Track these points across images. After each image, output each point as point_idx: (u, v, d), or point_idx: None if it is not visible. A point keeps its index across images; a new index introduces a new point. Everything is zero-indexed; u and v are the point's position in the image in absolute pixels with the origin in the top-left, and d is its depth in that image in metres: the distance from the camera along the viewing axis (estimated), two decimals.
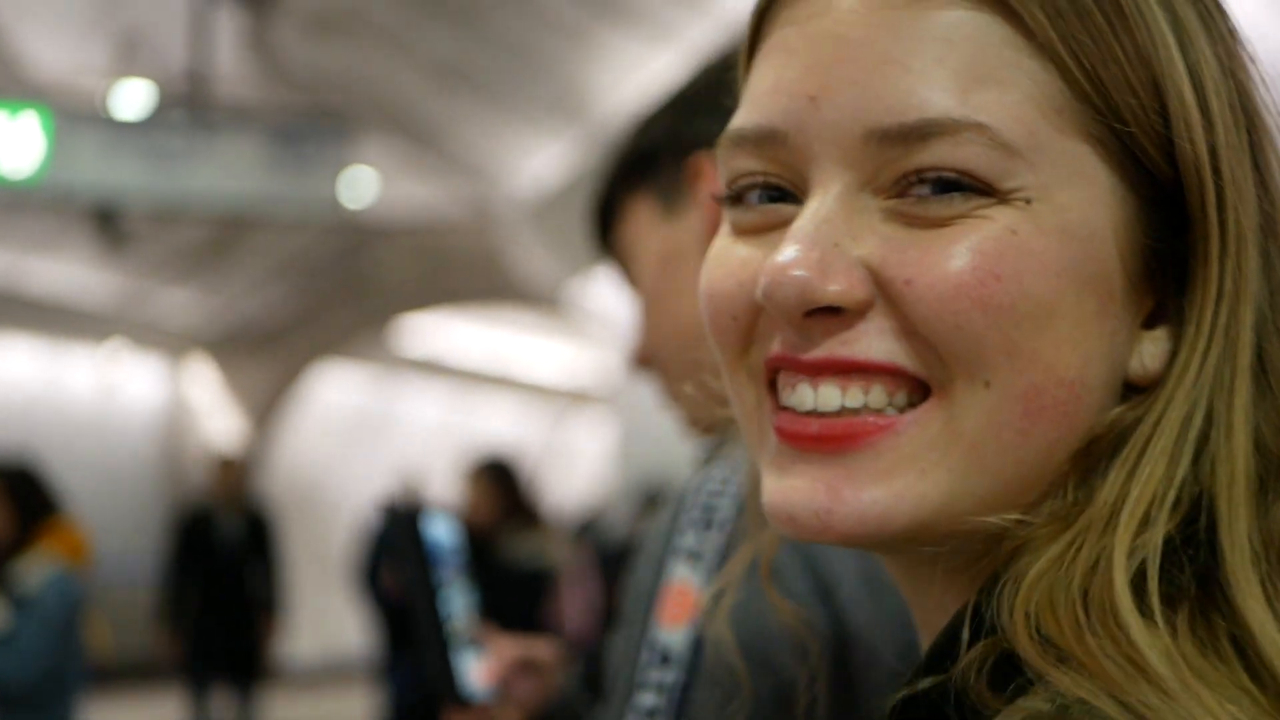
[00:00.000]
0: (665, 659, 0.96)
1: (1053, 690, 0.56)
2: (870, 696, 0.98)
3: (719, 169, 0.69)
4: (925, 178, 0.62)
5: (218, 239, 13.73)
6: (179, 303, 15.04)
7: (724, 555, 0.98)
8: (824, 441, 0.64)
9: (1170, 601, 0.59)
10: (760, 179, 0.67)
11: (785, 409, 0.66)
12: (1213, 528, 0.61)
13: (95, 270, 13.38)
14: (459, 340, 19.10)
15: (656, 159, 1.23)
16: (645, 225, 1.24)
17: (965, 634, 0.62)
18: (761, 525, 0.85)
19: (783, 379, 0.66)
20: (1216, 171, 0.64)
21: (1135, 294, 0.65)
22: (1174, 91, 0.64)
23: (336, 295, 15.83)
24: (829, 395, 0.64)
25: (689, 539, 0.99)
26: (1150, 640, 0.57)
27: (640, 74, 8.62)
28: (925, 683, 0.62)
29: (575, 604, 6.93)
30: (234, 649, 8.34)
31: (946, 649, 0.63)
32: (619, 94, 9.01)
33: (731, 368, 0.69)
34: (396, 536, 1.41)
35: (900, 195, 0.63)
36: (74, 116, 8.89)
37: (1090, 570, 0.60)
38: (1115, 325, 0.64)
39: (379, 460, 17.15)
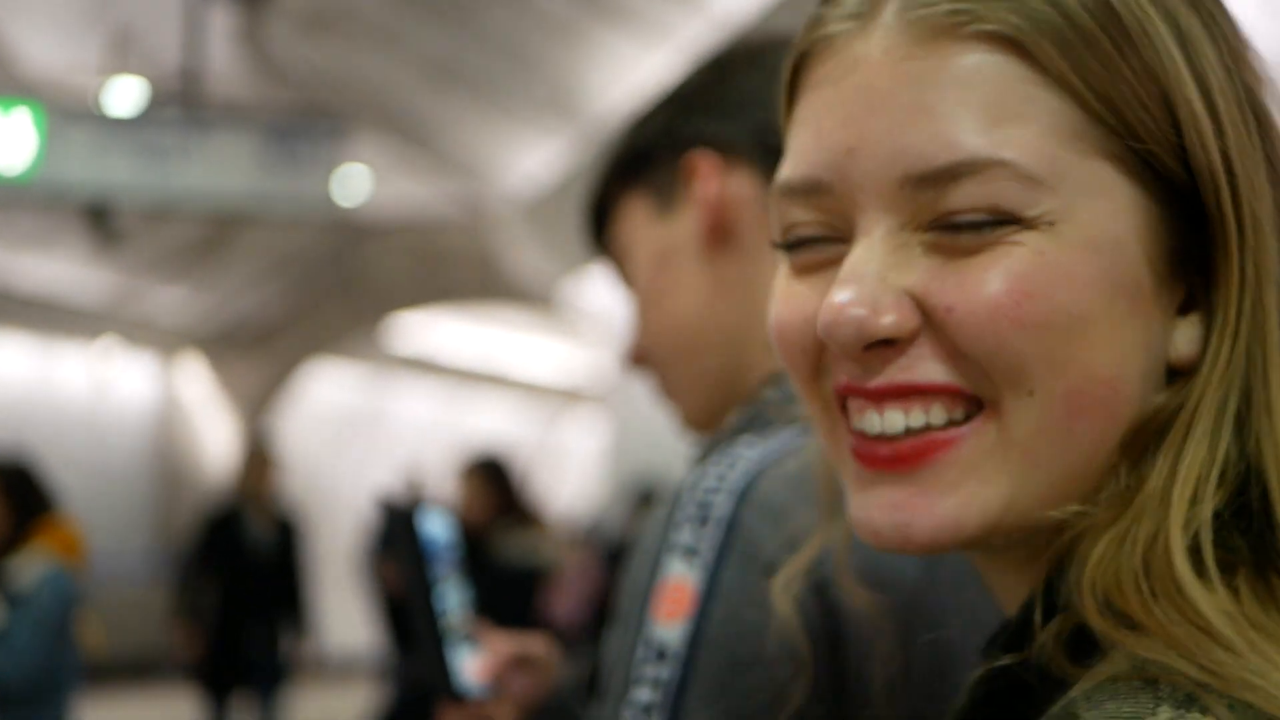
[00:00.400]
0: (661, 655, 0.97)
1: (1129, 654, 0.61)
2: (863, 692, 0.98)
3: (771, 218, 0.76)
4: (958, 221, 0.68)
5: (210, 237, 13.73)
6: (171, 300, 15.03)
7: (721, 551, 0.98)
8: (895, 463, 0.70)
9: (1228, 568, 0.64)
10: (811, 228, 0.73)
11: (858, 432, 0.72)
12: (1265, 497, 0.66)
13: (87, 267, 13.37)
14: (452, 338, 19.10)
15: (652, 157, 1.23)
16: (640, 223, 1.24)
17: (1038, 614, 0.67)
18: (830, 517, 0.92)
19: (851, 404, 0.73)
20: (1230, 171, 0.68)
21: (1166, 288, 0.70)
22: (1183, 102, 0.68)
23: (330, 293, 15.83)
24: (894, 419, 0.70)
25: (685, 535, 1.00)
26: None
27: (634, 73, 8.63)
28: (1006, 658, 0.67)
29: (568, 599, 6.94)
30: (257, 657, 7.86)
31: (1022, 627, 0.68)
32: (612, 93, 9.02)
33: (808, 395, 0.76)
34: (393, 532, 1.41)
35: (938, 230, 0.69)
36: (67, 113, 8.87)
37: (1149, 545, 0.65)
38: (1148, 320, 0.69)
39: (372, 458, 17.15)
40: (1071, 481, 0.69)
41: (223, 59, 10.18)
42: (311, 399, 17.27)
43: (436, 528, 1.42)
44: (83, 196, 9.44)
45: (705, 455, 1.14)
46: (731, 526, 0.99)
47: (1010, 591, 0.74)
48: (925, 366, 0.69)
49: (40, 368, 14.31)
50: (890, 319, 0.68)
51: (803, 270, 0.74)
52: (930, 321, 0.69)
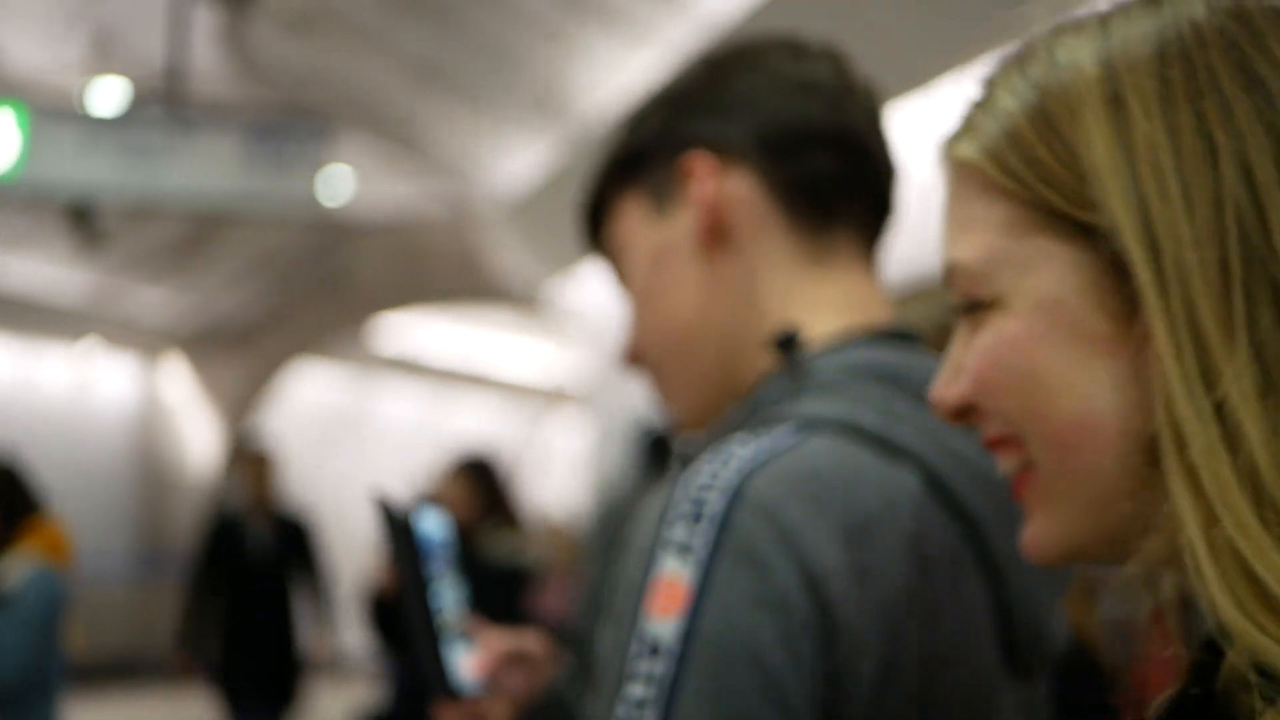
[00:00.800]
0: (655, 650, 0.98)
1: None
2: (855, 689, 0.99)
3: None
4: (958, 308, 0.85)
5: (193, 237, 13.69)
6: (154, 301, 14.99)
7: (714, 548, 0.99)
8: (1017, 498, 0.85)
9: None
10: None
11: None
12: None
13: (70, 268, 13.32)
14: (436, 339, 19.08)
15: (648, 157, 1.24)
16: (636, 224, 1.25)
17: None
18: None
19: None
20: (1146, 219, 0.76)
21: (1125, 327, 0.78)
22: (1089, 163, 0.78)
23: (313, 294, 15.80)
24: (1004, 464, 0.85)
25: (679, 532, 1.00)
26: None
27: (619, 74, 8.63)
28: (1194, 690, 0.74)
29: (557, 597, 6.94)
30: (266, 677, 7.47)
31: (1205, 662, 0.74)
32: (597, 94, 9.02)
33: None
34: (389, 531, 1.42)
35: (963, 316, 0.85)
36: (50, 113, 8.84)
37: (1232, 556, 0.71)
38: (1115, 359, 0.78)
39: (356, 459, 17.13)
40: (1103, 506, 0.79)
41: (206, 59, 10.16)
42: (295, 400, 17.24)
43: (432, 526, 1.43)
44: (66, 196, 9.40)
45: (697, 454, 1.15)
46: (725, 523, 1.00)
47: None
48: (989, 425, 0.84)
49: (21, 368, 14.26)
50: (951, 397, 0.85)
51: None
52: None
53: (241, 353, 16.06)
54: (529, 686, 1.46)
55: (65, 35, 10.12)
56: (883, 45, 4.19)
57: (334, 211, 10.88)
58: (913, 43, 5.79)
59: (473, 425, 19.07)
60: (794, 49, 1.24)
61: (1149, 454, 0.76)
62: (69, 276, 13.64)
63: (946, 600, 1.05)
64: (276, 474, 7.92)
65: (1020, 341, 0.81)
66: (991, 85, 0.85)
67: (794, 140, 1.19)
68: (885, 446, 1.07)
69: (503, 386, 20.84)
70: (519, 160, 10.64)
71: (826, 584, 0.99)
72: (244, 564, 7.51)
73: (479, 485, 5.91)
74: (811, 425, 1.07)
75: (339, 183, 9.38)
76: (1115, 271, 0.77)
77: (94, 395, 15.09)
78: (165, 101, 9.17)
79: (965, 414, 0.85)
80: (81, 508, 12.71)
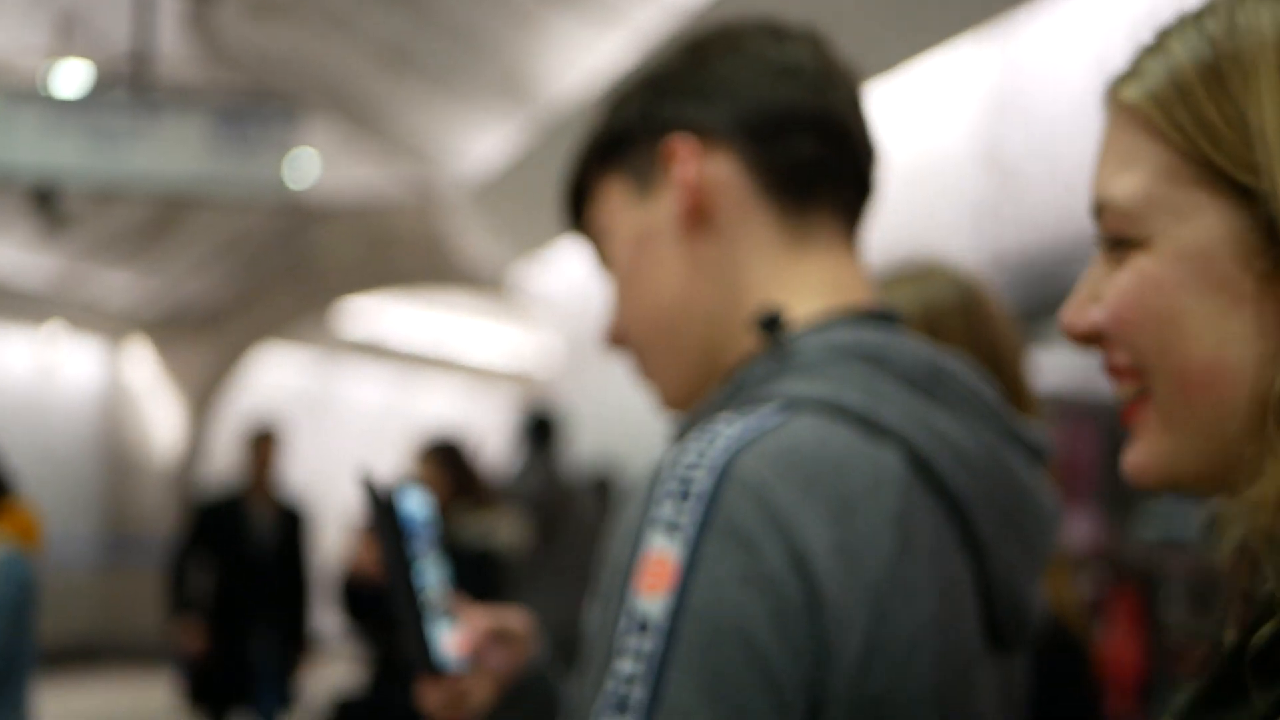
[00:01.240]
0: (643, 627, 0.99)
1: None
2: (840, 664, 1.01)
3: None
4: (1103, 240, 0.90)
5: (158, 220, 13.62)
6: (118, 284, 14.91)
7: (702, 526, 1.01)
8: (1125, 421, 0.90)
9: None
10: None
11: None
12: None
13: (34, 251, 13.23)
14: (402, 323, 19.04)
15: (630, 140, 1.25)
16: (619, 206, 1.26)
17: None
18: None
19: None
20: None
21: (1267, 286, 0.83)
22: (1256, 127, 0.82)
23: (278, 277, 15.74)
24: (1121, 390, 0.90)
25: (666, 510, 1.02)
26: None
27: (586, 57, 8.62)
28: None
29: None
30: (261, 667, 7.14)
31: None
32: (565, 78, 9.01)
33: None
34: (373, 510, 1.43)
35: (1105, 249, 0.90)
36: (14, 96, 8.78)
37: None
38: (1250, 315, 0.83)
39: (322, 443, 17.07)
40: (1218, 446, 0.85)
41: (172, 41, 10.09)
42: (260, 383, 17.17)
43: (415, 506, 1.44)
44: (30, 179, 9.35)
45: (683, 433, 1.16)
46: (712, 501, 1.01)
47: None
48: (1116, 354, 0.89)
49: None
50: (1081, 325, 0.90)
51: None
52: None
53: (207, 337, 15.99)
54: (512, 664, 1.47)
55: (30, 17, 10.04)
56: (854, 27, 4.19)
57: (300, 195, 10.83)
58: (882, 26, 5.81)
59: (438, 409, 19.04)
60: (775, 32, 1.25)
61: (1267, 407, 0.81)
62: (33, 260, 13.55)
63: (930, 578, 1.06)
64: (281, 456, 7.64)
65: (1164, 284, 0.85)
66: (1165, 35, 0.88)
67: (776, 123, 1.20)
68: (869, 426, 1.08)
69: (469, 370, 20.82)
70: (485, 144, 10.62)
71: (813, 563, 1.00)
72: (242, 551, 7.24)
73: (448, 468, 5.92)
74: (796, 405, 1.08)
75: (305, 166, 9.34)
76: (1267, 233, 0.82)
77: (58, 379, 15.01)
78: (130, 84, 9.12)
79: (1092, 340, 0.89)
80: (46, 492, 12.62)
